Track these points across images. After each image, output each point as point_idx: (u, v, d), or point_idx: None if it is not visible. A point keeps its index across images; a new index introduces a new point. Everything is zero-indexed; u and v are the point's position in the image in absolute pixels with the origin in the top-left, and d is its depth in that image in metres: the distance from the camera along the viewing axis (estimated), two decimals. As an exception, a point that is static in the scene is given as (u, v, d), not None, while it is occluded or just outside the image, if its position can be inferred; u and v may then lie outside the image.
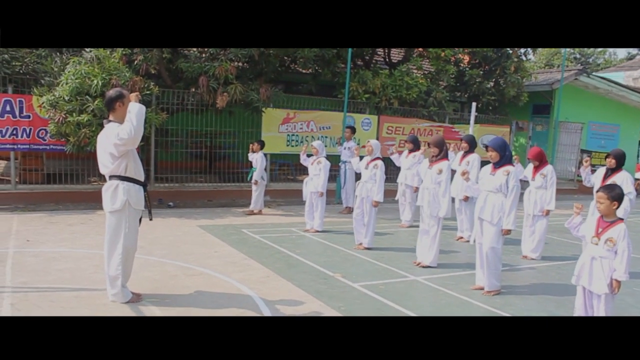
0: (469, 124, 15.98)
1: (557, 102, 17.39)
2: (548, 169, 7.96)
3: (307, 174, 14.80)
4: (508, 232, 6.05)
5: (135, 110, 4.70)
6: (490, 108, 16.95)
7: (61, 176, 10.91)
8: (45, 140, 10.64)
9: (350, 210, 11.42)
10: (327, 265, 6.90)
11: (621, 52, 58.99)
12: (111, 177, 4.91)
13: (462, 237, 9.14)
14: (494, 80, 16.78)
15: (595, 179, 7.31)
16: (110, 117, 4.97)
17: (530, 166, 8.12)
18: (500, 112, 17.42)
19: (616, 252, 4.49)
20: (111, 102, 4.92)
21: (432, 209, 7.01)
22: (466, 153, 9.01)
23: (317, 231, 9.05)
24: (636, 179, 16.95)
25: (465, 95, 17.17)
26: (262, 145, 10.75)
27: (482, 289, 6.22)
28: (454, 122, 16.07)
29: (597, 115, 20.12)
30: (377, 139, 14.06)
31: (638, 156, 23.09)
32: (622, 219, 4.66)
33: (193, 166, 12.66)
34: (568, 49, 45.72)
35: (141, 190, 5.01)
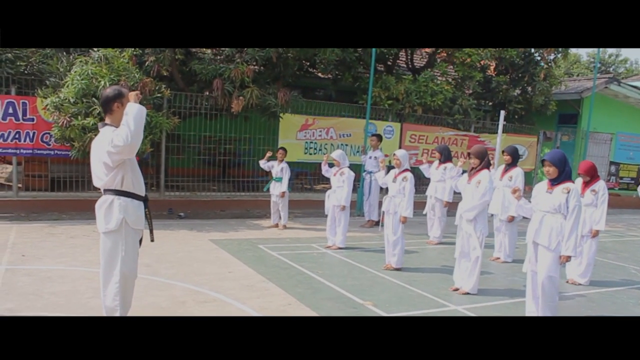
0: (493, 133, 15.24)
1: (588, 111, 16.52)
2: (600, 185, 7.16)
3: (326, 183, 14.29)
4: (568, 259, 5.26)
5: (133, 112, 3.86)
6: (517, 117, 16.16)
7: (66, 183, 10.25)
8: (49, 144, 9.97)
9: (373, 223, 10.68)
10: (354, 290, 6.13)
11: (643, 62, 57.85)
12: (105, 191, 4.09)
13: (498, 258, 8.34)
14: (520, 87, 15.98)
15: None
16: (107, 120, 4.13)
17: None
18: (527, 121, 16.61)
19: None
20: (108, 103, 4.08)
21: (475, 228, 6.23)
22: (508, 167, 8.21)
23: (340, 248, 8.29)
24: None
25: (490, 104, 16.38)
26: (286, 153, 9.99)
27: (534, 323, 5.43)
28: (478, 131, 15.26)
29: (626, 126, 19.23)
30: (400, 147, 13.33)
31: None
32: None
33: (205, 174, 11.96)
34: (587, 58, 44.83)
35: (141, 207, 4.19)
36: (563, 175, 5.35)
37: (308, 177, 13.98)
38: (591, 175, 7.10)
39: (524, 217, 6.59)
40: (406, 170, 7.21)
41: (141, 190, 4.19)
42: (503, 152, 8.35)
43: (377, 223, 10.78)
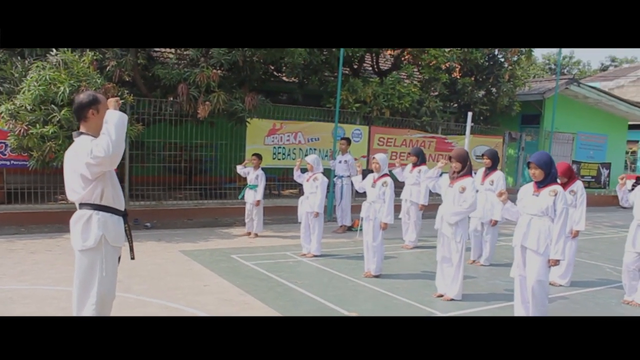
0: (459, 134, 15.27)
1: (551, 111, 16.75)
2: (578, 185, 7.14)
3: (294, 188, 14.04)
4: (556, 262, 5.16)
5: (114, 120, 3.55)
6: (482, 118, 16.24)
7: (24, 195, 9.72)
8: (5, 154, 9.48)
9: (345, 229, 10.49)
10: (338, 301, 5.90)
11: (595, 63, 59.59)
12: (82, 205, 3.75)
13: (475, 261, 8.24)
14: (485, 89, 16.07)
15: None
16: (82, 129, 3.79)
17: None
18: (492, 122, 16.73)
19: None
20: (82, 109, 3.74)
21: (456, 232, 6.09)
22: (489, 170, 8.11)
23: (315, 256, 8.06)
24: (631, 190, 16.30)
25: (455, 105, 16.42)
26: (261, 159, 9.67)
27: (524, 328, 5.30)
28: (445, 132, 15.25)
29: (585, 126, 19.60)
30: (368, 151, 13.22)
31: (625, 167, 22.72)
32: None
33: (170, 181, 11.58)
34: (542, 60, 45.83)
35: (121, 222, 3.86)
36: (549, 177, 5.25)
37: (276, 183, 13.70)
38: (568, 177, 7.05)
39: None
40: (385, 175, 7.03)
41: (121, 205, 3.86)
42: (483, 155, 8.27)
43: (349, 228, 10.60)
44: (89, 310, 3.76)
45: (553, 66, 43.96)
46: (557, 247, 5.10)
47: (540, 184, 5.26)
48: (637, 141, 26.74)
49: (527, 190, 5.41)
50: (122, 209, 3.90)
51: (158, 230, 9.73)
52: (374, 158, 7.14)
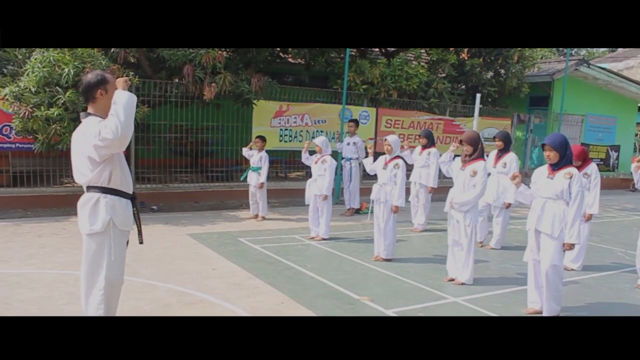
0: (467, 116, 15.10)
1: (560, 93, 16.53)
2: (592, 167, 7.02)
3: (300, 171, 13.94)
4: (571, 246, 5.06)
5: (123, 101, 3.44)
6: (490, 100, 16.04)
7: (29, 178, 9.66)
8: (10, 137, 9.40)
9: (353, 211, 10.40)
10: (348, 285, 5.83)
11: (602, 44, 58.83)
12: (90, 188, 3.66)
13: (481, 243, 8.14)
14: (494, 70, 15.86)
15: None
16: (89, 109, 3.68)
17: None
18: (500, 104, 16.53)
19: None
20: (90, 90, 3.62)
21: (465, 216, 5.98)
22: (501, 152, 7.97)
23: (324, 239, 7.98)
24: (631, 172, 16.14)
25: (463, 87, 16.22)
26: (265, 141, 9.56)
27: (538, 313, 5.23)
28: (452, 114, 15.07)
29: (594, 107, 19.36)
30: (376, 133, 13.08)
31: (634, 149, 22.48)
32: None
33: (176, 164, 11.48)
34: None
35: (129, 206, 3.78)
36: (564, 159, 5.13)
37: (282, 165, 13.61)
38: (582, 159, 6.92)
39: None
40: (397, 157, 6.91)
41: (129, 188, 3.77)
42: (495, 137, 8.12)
43: (357, 211, 10.52)
44: (97, 296, 3.68)
45: (561, 47, 43.47)
46: (572, 230, 5.00)
47: (555, 167, 5.14)
48: (646, 123, 26.46)
49: (541, 172, 5.29)
50: (131, 192, 3.82)
51: (165, 213, 9.66)
52: (385, 139, 7.01)
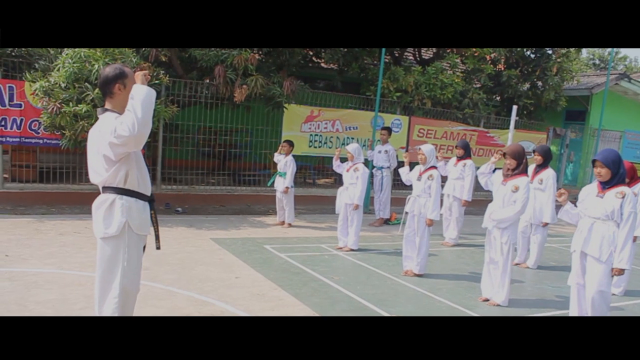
0: (500, 128, 14.68)
1: (598, 108, 16.02)
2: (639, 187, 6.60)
3: (329, 177, 13.67)
4: (621, 272, 4.69)
5: (141, 96, 3.17)
6: (525, 112, 15.59)
7: (55, 174, 9.57)
8: (38, 132, 9.30)
9: (382, 222, 10.10)
10: (377, 301, 5.52)
11: (641, 60, 57.64)
12: (105, 189, 3.44)
13: (519, 263, 7.77)
14: (530, 82, 15.41)
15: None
16: (107, 105, 3.45)
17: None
18: (536, 117, 16.07)
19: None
20: (108, 84, 3.39)
21: (502, 233, 5.63)
22: (539, 168, 7.58)
23: (352, 250, 7.69)
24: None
25: (498, 98, 15.81)
26: (292, 146, 9.32)
27: (581, 342, 4.86)
28: (486, 126, 14.66)
29: (633, 124, 18.74)
30: (408, 142, 12.77)
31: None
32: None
33: (203, 166, 11.31)
34: (586, 55, 44.38)
35: (146, 208, 3.54)
36: (617, 178, 4.77)
37: (311, 172, 13.37)
38: (630, 177, 6.51)
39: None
40: (432, 167, 6.60)
41: (147, 189, 3.53)
42: (534, 151, 7.75)
43: (386, 221, 10.21)
44: (110, 304, 3.45)
45: (597, 61, 42.51)
46: (623, 254, 4.63)
47: (606, 185, 4.79)
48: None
49: (590, 191, 4.94)
50: (149, 193, 3.57)
51: (189, 215, 9.48)
52: (419, 149, 6.70)
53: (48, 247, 6.59)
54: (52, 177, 9.55)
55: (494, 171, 6.12)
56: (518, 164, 5.68)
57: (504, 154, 5.77)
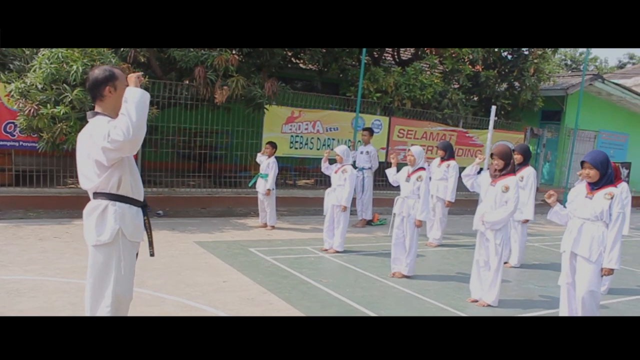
0: (478, 128, 14.80)
1: (573, 108, 16.26)
2: (623, 187, 6.58)
3: (309, 178, 13.60)
4: (611, 271, 4.73)
5: (135, 99, 3.08)
6: (502, 112, 15.75)
7: (32, 177, 9.34)
8: (13, 135, 9.10)
9: (365, 222, 10.08)
10: (367, 303, 5.49)
11: (612, 60, 58.66)
12: (97, 194, 3.31)
13: (506, 262, 7.81)
14: (508, 83, 15.57)
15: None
16: (97, 108, 3.35)
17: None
18: (513, 117, 16.24)
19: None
20: (98, 86, 3.28)
21: (496, 235, 5.65)
22: (519, 166, 7.61)
23: (337, 252, 7.65)
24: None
25: (476, 99, 15.93)
26: (275, 148, 9.24)
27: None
28: (465, 126, 14.76)
29: (607, 124, 19.08)
30: (388, 142, 12.79)
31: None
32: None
33: (182, 168, 11.16)
34: (558, 56, 45.07)
35: (140, 215, 3.44)
36: (605, 179, 4.82)
37: (291, 173, 13.30)
38: (614, 177, 6.57)
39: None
40: (421, 168, 6.59)
41: (140, 195, 3.44)
42: (514, 150, 7.80)
43: (369, 222, 10.20)
44: (103, 312, 3.34)
45: (569, 62, 43.24)
46: (612, 255, 4.68)
47: (595, 186, 4.83)
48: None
49: (578, 191, 4.98)
50: (142, 199, 3.48)
51: (171, 218, 9.34)
52: (408, 150, 6.70)
53: (28, 253, 6.42)
54: (29, 180, 9.33)
55: (479, 172, 6.14)
56: (506, 164, 5.69)
57: (492, 155, 5.78)
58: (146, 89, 9.28)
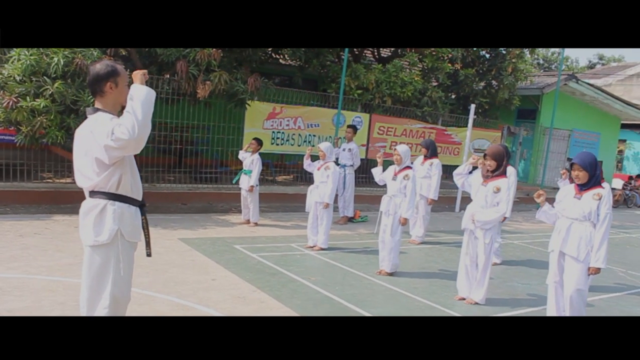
0: (456, 126, 14.94)
1: (549, 107, 16.55)
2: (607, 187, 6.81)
3: (288, 174, 13.59)
4: (598, 271, 4.83)
5: (141, 97, 3.03)
6: (480, 111, 15.92)
7: (9, 171, 9.12)
8: (-10, 128, 8.86)
9: (346, 219, 10.11)
10: (357, 302, 5.51)
11: (583, 60, 59.79)
12: (94, 193, 3.23)
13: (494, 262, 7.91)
14: (485, 81, 15.75)
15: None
16: (97, 104, 3.27)
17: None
18: (490, 115, 16.43)
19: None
20: (99, 82, 3.21)
21: (485, 234, 5.70)
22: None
23: (322, 249, 7.65)
24: (613, 188, 16.22)
25: (454, 97, 16.08)
26: (260, 145, 9.16)
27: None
28: (444, 124, 14.89)
29: (580, 123, 19.46)
30: (368, 139, 12.83)
31: (616, 166, 22.67)
32: None
33: (160, 163, 11.02)
34: (532, 56, 45.73)
35: (138, 214, 3.41)
36: (593, 180, 4.92)
37: (271, 169, 13.25)
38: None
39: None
40: (407, 167, 6.62)
41: (139, 194, 3.39)
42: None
43: (350, 219, 10.23)
44: (100, 314, 3.29)
45: (541, 61, 43.90)
46: (599, 254, 4.78)
47: (583, 187, 4.92)
48: (625, 140, 26.78)
49: (567, 192, 5.06)
50: (140, 198, 3.44)
51: (151, 214, 9.14)
52: (395, 149, 6.72)
53: (9, 250, 6.27)
54: (5, 174, 9.11)
55: (470, 172, 6.19)
56: (498, 165, 5.75)
57: (485, 155, 5.83)
58: (127, 82, 9.20)
